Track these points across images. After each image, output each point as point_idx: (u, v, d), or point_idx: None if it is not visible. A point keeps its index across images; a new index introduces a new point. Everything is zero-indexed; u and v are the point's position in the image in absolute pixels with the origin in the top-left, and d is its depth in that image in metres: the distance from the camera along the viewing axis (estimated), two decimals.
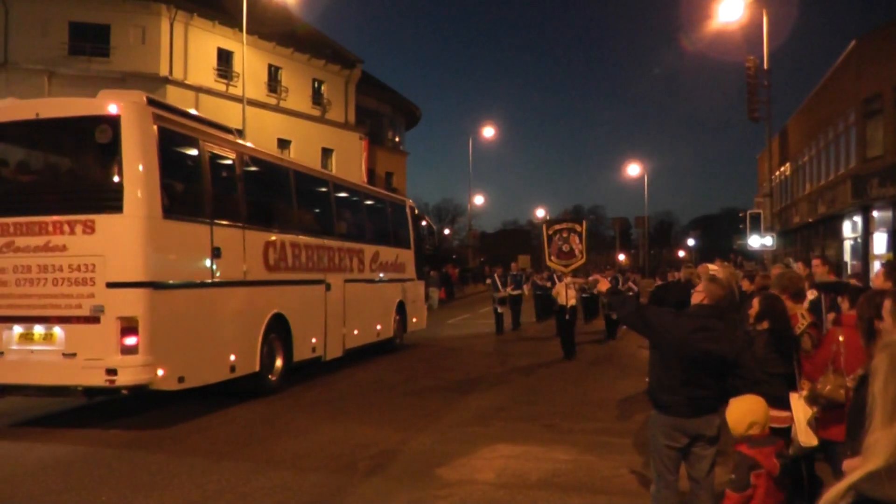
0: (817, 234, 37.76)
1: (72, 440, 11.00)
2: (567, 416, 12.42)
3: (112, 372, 11.07)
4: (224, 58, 38.32)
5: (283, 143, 41.56)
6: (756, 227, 33.59)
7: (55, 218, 11.33)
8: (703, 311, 6.26)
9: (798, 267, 13.39)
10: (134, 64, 34.49)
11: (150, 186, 11.42)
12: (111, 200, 11.29)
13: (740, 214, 48.61)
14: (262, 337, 14.33)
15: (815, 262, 11.85)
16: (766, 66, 34.32)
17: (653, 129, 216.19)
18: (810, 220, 37.50)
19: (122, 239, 11.26)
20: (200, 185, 13.10)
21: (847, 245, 31.99)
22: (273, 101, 41.03)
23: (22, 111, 12.45)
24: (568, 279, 20.12)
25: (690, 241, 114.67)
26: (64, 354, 11.33)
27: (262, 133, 37.88)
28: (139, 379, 11.26)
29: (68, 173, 12.85)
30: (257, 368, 14.14)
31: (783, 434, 6.37)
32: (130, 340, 11.13)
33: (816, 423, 6.27)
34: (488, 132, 63.67)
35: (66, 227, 11.26)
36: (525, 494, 8.22)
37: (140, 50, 34.89)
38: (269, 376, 14.75)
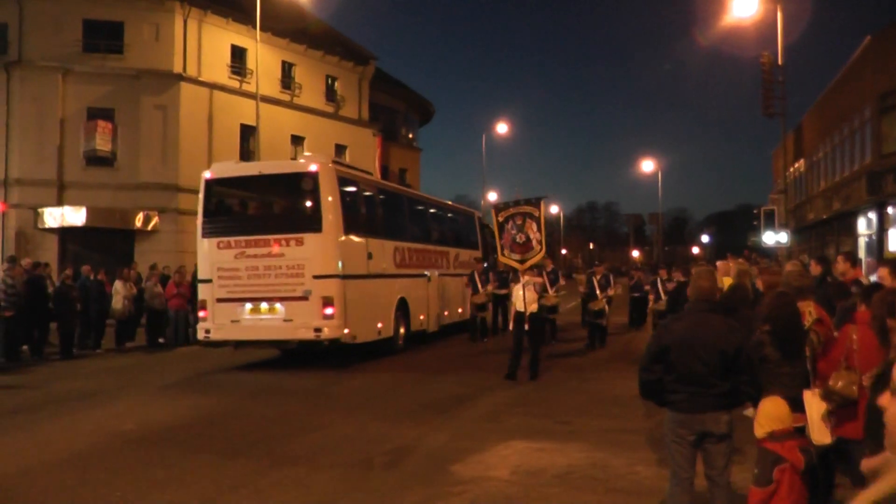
0: (832, 230, 37.63)
1: (88, 435, 11.08)
2: (581, 413, 12.41)
3: (318, 330, 17.13)
4: (238, 55, 38.32)
5: (297, 140, 41.56)
6: (770, 224, 33.49)
7: (275, 236, 17.44)
8: (699, 307, 6.29)
9: (811, 264, 13.25)
10: (148, 61, 34.55)
11: (337, 215, 17.54)
12: (313, 225, 17.34)
13: (755, 211, 48.44)
14: (394, 312, 20.41)
15: (840, 258, 11.74)
16: (780, 62, 34.15)
17: (667, 125, 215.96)
18: (825, 216, 37.35)
19: (321, 248, 17.34)
20: (360, 212, 19.27)
21: (862, 242, 31.85)
22: (287, 97, 41.01)
23: (247, 169, 20.36)
24: (525, 278, 16.39)
25: (705, 238, 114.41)
26: (284, 320, 17.43)
27: (275, 130, 37.90)
28: (334, 335, 17.28)
29: (283, 208, 19.72)
30: (392, 334, 20.22)
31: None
32: (329, 311, 17.14)
33: (831, 421, 6.23)
34: (502, 128, 63.53)
35: (283, 242, 17.28)
36: (539, 491, 8.22)
37: (154, 47, 34.90)
38: (398, 341, 20.65)
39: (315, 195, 17.52)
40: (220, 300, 17.70)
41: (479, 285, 23.47)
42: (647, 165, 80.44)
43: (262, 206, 19.87)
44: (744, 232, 74.82)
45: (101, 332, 21.99)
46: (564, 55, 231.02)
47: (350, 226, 18.10)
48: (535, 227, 16.36)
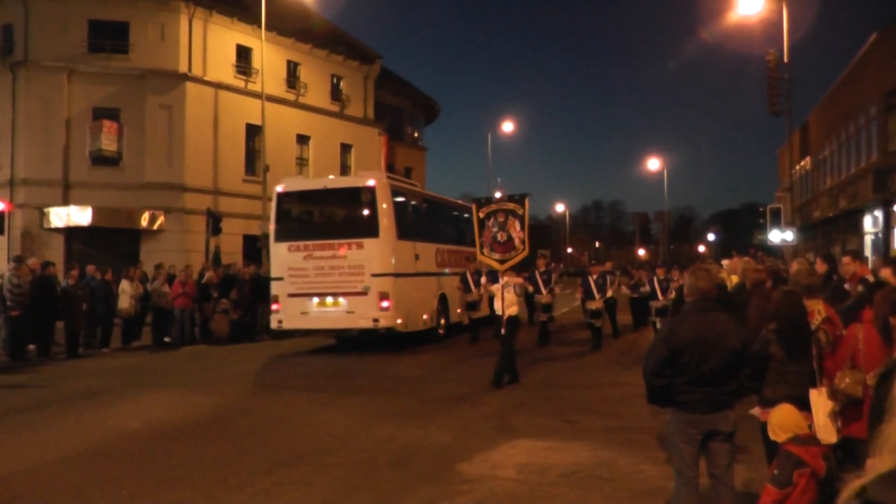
0: (838, 228, 37.52)
1: (94, 434, 11.09)
2: (587, 412, 12.40)
3: (376, 320, 19.64)
4: (243, 54, 38.28)
5: (303, 139, 41.53)
6: (776, 222, 33.30)
7: (338, 241, 19.93)
8: (700, 307, 6.23)
9: (817, 263, 13.20)
10: (153, 61, 34.56)
11: (391, 222, 20.29)
12: (372, 231, 20.04)
13: (760, 209, 48.37)
14: (437, 306, 23.02)
15: (846, 259, 11.63)
16: (786, 60, 34.11)
17: (673, 124, 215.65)
18: (831, 214, 37.25)
19: (378, 251, 19.96)
20: (409, 219, 22.28)
21: (868, 240, 31.73)
22: (292, 96, 40.97)
23: (313, 184, 23.52)
24: (505, 278, 15.62)
25: (711, 236, 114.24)
26: (346, 312, 19.94)
27: (281, 129, 37.89)
28: (389, 324, 19.83)
29: (345, 217, 22.24)
30: (434, 325, 22.88)
31: None
32: (385, 304, 19.63)
33: (837, 420, 6.21)
34: (507, 127, 63.53)
35: (346, 246, 19.76)
36: (545, 490, 8.21)
37: (159, 47, 34.91)
38: (439, 330, 23.26)
39: (372, 205, 20.31)
40: (290, 295, 20.27)
41: (472, 285, 22.67)
42: (653, 164, 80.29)
43: (326, 215, 22.70)
44: (749, 230, 74.76)
45: (108, 331, 22.01)
46: (570, 54, 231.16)
47: (401, 231, 20.86)
48: (518, 225, 15.58)
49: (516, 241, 15.46)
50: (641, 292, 24.30)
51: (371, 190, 20.33)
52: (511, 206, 15.73)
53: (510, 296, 15.38)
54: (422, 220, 23.58)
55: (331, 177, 28.70)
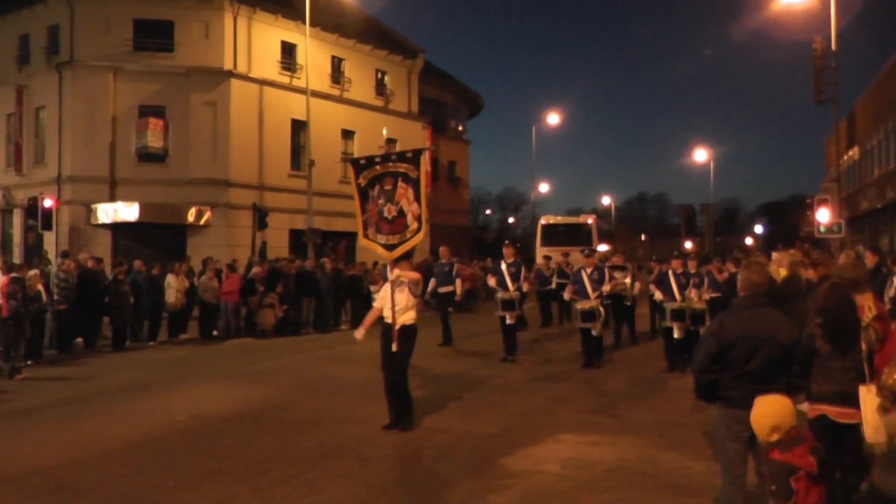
0: (885, 220, 36.91)
1: (139, 426, 11.19)
2: (632, 407, 12.31)
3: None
4: (287, 50, 38.53)
5: (347, 134, 41.71)
6: (824, 214, 32.86)
7: (569, 248, 28.73)
8: (752, 302, 6.12)
9: (866, 255, 12.99)
10: (198, 59, 34.89)
11: (596, 238, 39.11)
12: (587, 243, 34.44)
13: (807, 201, 47.69)
14: None
15: None
16: (833, 47, 33.58)
17: (718, 114, 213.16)
18: (879, 205, 36.67)
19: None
20: (600, 236, 41.40)
21: None
22: (336, 92, 41.16)
23: (559, 220, 44.02)
24: (395, 273, 11.00)
25: (758, 228, 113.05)
26: None
27: (325, 124, 38.10)
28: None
29: (575, 235, 38.37)
30: None
31: (853, 430, 6.19)
32: None
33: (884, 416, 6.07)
34: (552, 119, 63.20)
35: (570, 252, 28.36)
36: (589, 486, 8.17)
37: (204, 45, 35.24)
38: None
39: (589, 232, 39.06)
40: None
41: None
42: (699, 155, 79.14)
43: (566, 234, 38.87)
44: (796, 222, 73.89)
45: (155, 324, 22.20)
46: (616, 45, 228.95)
47: (599, 241, 38.57)
48: (411, 194, 11.08)
49: (409, 218, 11.12)
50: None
51: (589, 225, 40.19)
52: (402, 166, 11.24)
53: (403, 297, 10.99)
54: (605, 236, 43.46)
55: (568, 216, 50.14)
